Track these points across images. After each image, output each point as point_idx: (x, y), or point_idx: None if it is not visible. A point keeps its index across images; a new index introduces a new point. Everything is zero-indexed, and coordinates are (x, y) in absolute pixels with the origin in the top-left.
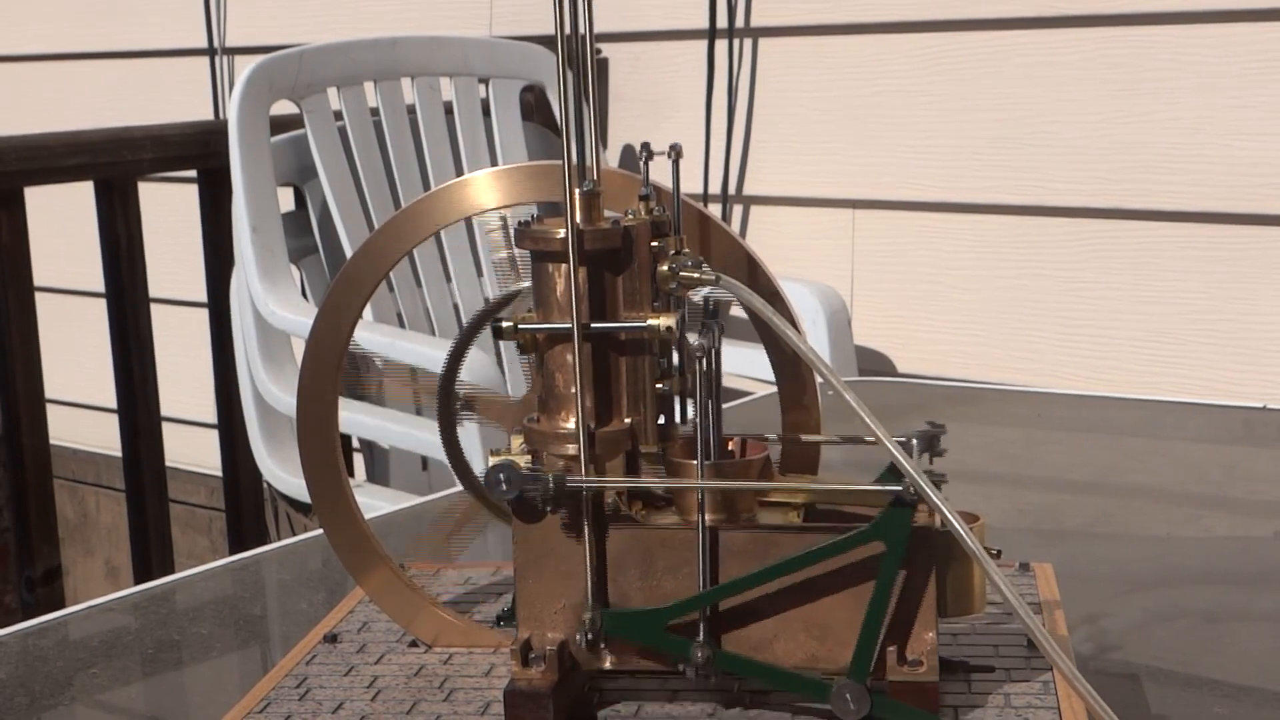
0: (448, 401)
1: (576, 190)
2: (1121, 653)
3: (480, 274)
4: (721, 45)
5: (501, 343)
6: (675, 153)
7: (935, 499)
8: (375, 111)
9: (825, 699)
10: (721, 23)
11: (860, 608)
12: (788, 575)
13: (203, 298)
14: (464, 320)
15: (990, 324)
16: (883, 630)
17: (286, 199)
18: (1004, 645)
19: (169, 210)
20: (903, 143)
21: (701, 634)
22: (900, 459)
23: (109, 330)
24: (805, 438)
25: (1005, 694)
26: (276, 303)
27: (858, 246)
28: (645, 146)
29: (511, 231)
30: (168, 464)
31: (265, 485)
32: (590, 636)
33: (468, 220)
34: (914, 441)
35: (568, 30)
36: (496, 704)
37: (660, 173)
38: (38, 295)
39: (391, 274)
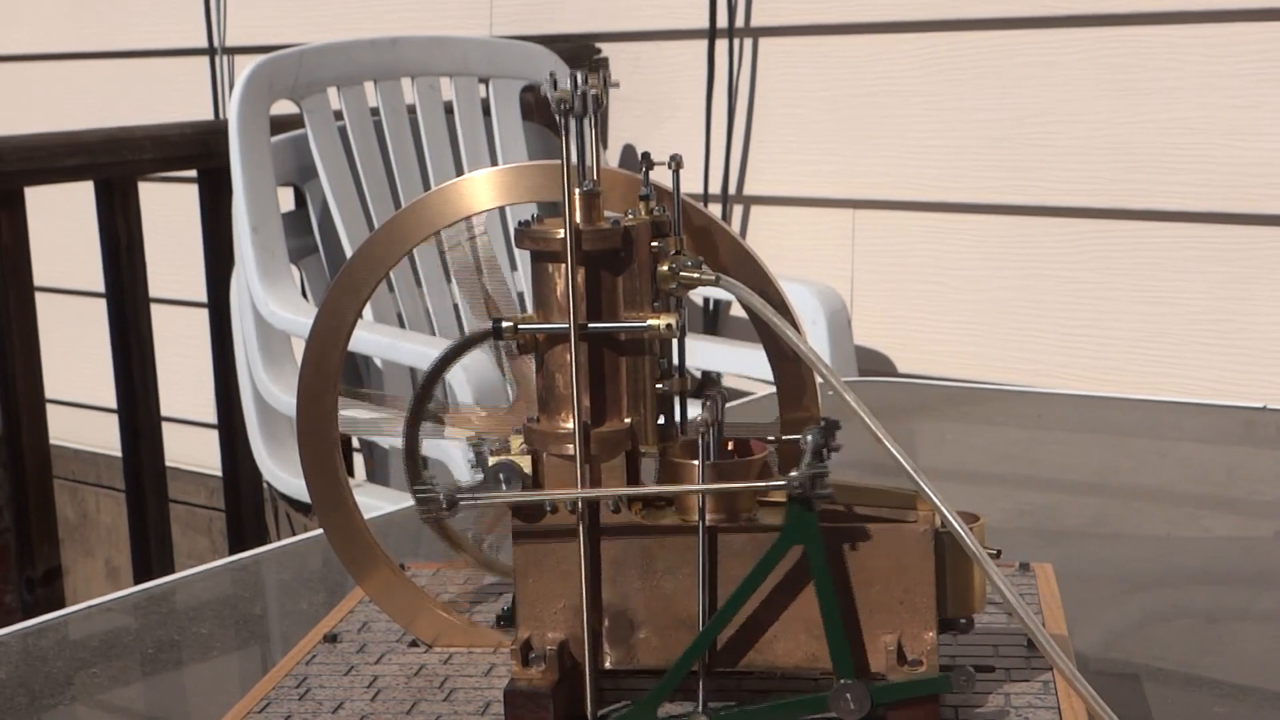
0: (414, 439)
1: (576, 190)
2: (1121, 653)
3: (480, 274)
4: (721, 45)
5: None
6: (676, 163)
7: (935, 498)
8: (375, 111)
9: (826, 709)
10: (721, 23)
11: (859, 605)
12: (738, 607)
13: (203, 298)
14: (465, 321)
15: (990, 324)
16: (840, 626)
17: (286, 199)
18: (1004, 645)
19: (169, 210)
20: (903, 143)
21: (700, 700)
22: (901, 459)
23: (109, 330)
24: (787, 437)
25: (1005, 694)
26: (276, 303)
27: (858, 246)
28: (645, 156)
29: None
30: (168, 464)
31: (265, 485)
32: None
33: (467, 220)
34: (809, 437)
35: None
36: (496, 704)
37: (660, 181)
38: (38, 295)
39: (391, 274)
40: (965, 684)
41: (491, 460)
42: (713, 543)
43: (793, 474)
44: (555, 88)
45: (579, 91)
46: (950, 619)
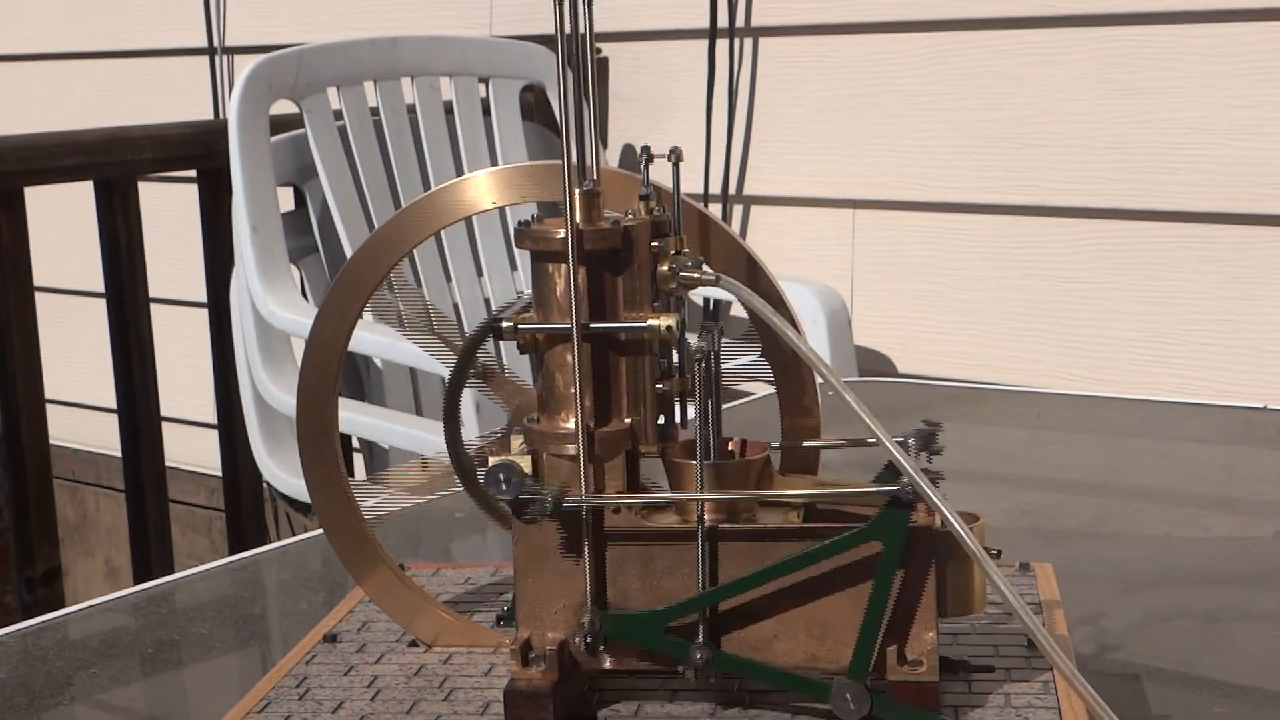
0: (454, 413)
1: (576, 190)
2: (1121, 653)
3: (480, 274)
4: (722, 45)
5: (502, 343)
6: (675, 156)
7: (935, 499)
8: (375, 111)
9: (825, 699)
10: (722, 22)
11: (860, 607)
12: (787, 576)
13: (203, 298)
14: (464, 321)
15: (990, 324)
16: (881, 630)
17: (286, 199)
18: (1004, 645)
19: (169, 210)
20: (903, 143)
21: (701, 635)
22: (900, 459)
23: (109, 330)
24: (806, 443)
25: (1005, 694)
26: (276, 303)
27: (858, 246)
28: (645, 149)
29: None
30: (168, 464)
31: (265, 485)
32: (589, 639)
33: (468, 220)
34: (911, 441)
35: (568, 30)
36: (496, 704)
37: (660, 176)
38: (38, 295)
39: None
40: None
41: (491, 460)
42: (713, 543)
43: (905, 479)
44: None
45: None
46: (952, 664)
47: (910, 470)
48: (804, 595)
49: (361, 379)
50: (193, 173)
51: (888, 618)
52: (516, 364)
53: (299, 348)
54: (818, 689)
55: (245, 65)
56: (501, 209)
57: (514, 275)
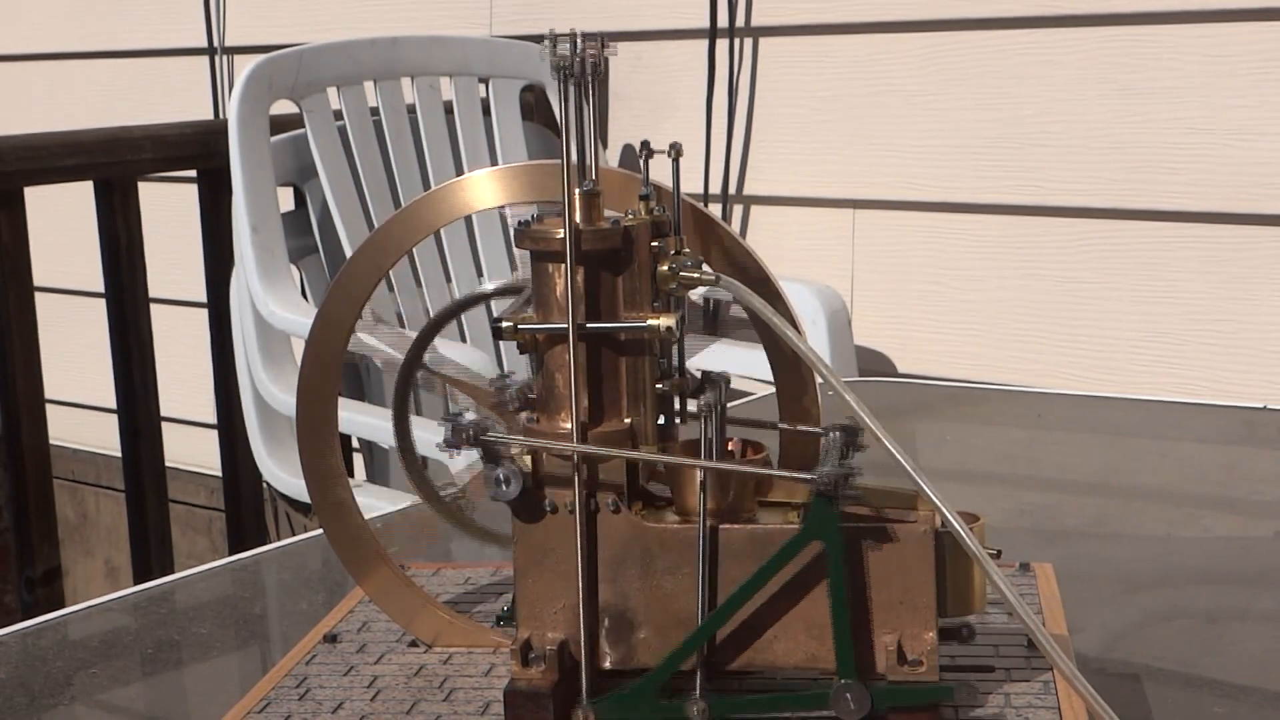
0: (405, 390)
1: (576, 190)
2: (1121, 653)
3: (480, 274)
4: (722, 45)
5: (502, 343)
6: (675, 151)
7: (935, 498)
8: (375, 111)
9: (827, 705)
10: (722, 22)
11: (859, 605)
12: (771, 583)
13: (203, 298)
14: (463, 321)
15: (990, 324)
16: (849, 624)
17: (286, 199)
18: (1004, 645)
19: (169, 210)
20: (903, 143)
21: (698, 686)
22: (900, 458)
23: (109, 330)
24: (803, 428)
25: (1005, 694)
26: (276, 303)
27: (858, 246)
28: (645, 145)
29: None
30: (168, 464)
31: (265, 485)
32: None
33: (468, 220)
34: (835, 435)
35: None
36: (496, 704)
37: (660, 171)
38: (38, 295)
39: (391, 274)
40: (966, 695)
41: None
42: (713, 542)
43: (823, 469)
44: (555, 51)
45: (578, 56)
46: (952, 629)
47: (910, 468)
48: (803, 595)
49: (361, 379)
50: (193, 173)
51: (854, 610)
52: (518, 362)
53: (299, 348)
54: (822, 700)
55: (245, 65)
56: (501, 209)
57: (513, 275)
